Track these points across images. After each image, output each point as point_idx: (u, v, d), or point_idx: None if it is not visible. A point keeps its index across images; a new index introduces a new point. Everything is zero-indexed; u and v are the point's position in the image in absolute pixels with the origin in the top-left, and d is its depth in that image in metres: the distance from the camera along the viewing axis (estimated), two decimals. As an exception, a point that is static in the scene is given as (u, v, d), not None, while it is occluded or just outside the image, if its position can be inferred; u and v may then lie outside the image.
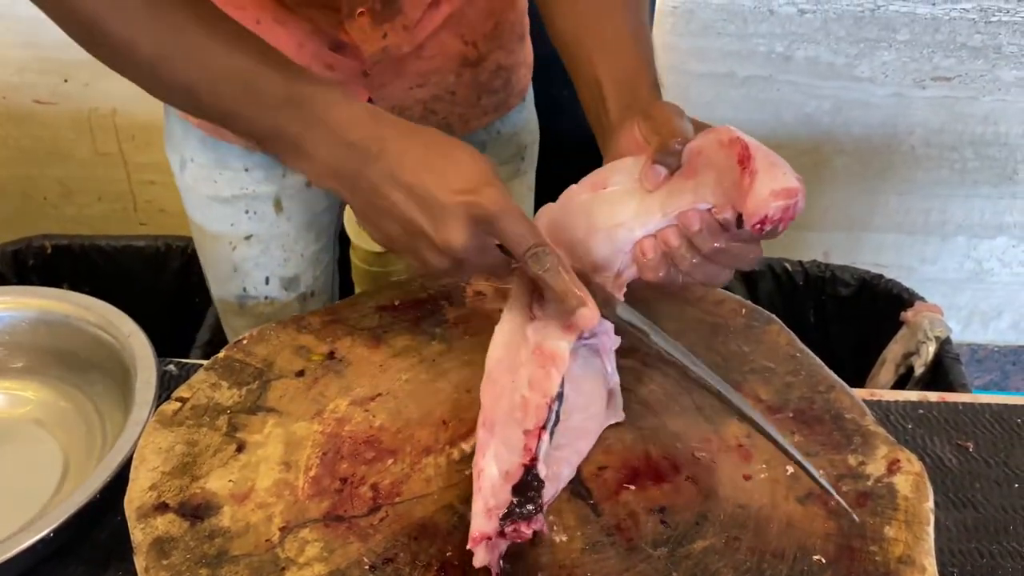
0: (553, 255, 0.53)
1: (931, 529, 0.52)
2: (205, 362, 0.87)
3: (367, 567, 0.49)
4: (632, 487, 0.54)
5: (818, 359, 0.65)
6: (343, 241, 1.15)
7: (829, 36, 1.37)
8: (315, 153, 0.55)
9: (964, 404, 0.88)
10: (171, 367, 0.82)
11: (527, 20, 0.92)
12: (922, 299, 1.27)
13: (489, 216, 0.53)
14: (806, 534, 0.51)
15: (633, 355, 0.64)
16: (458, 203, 0.52)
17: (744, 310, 0.69)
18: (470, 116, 0.90)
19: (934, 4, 1.33)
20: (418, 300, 0.69)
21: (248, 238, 0.93)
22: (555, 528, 0.51)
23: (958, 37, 1.37)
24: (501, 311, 0.68)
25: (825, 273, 1.33)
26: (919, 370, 1.19)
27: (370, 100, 0.82)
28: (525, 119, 0.97)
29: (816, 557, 0.50)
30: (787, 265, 1.35)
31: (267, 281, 0.98)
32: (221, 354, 0.63)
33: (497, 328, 0.57)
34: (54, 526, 0.62)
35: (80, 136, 1.51)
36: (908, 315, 1.24)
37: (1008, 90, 1.41)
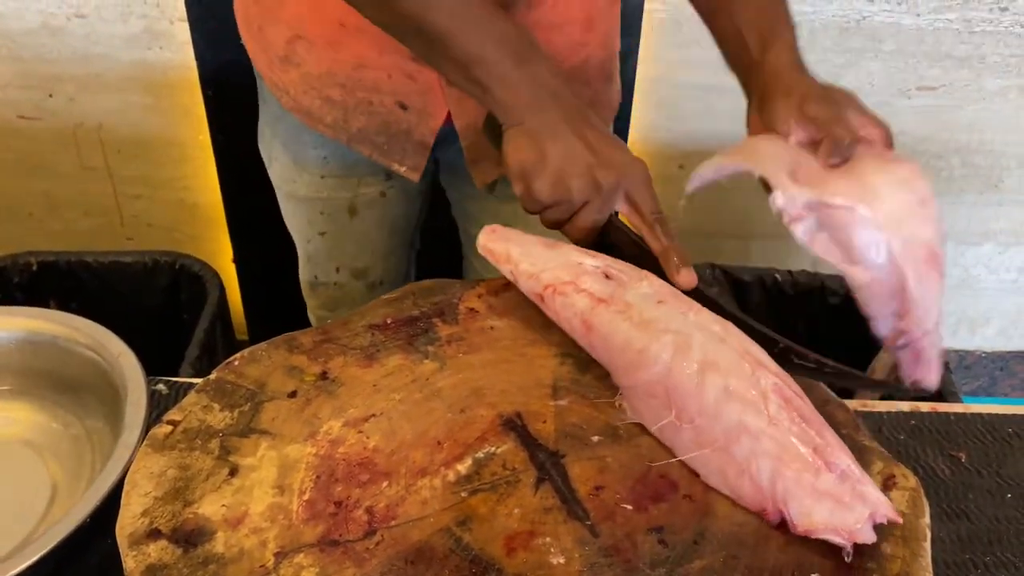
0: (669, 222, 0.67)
1: (928, 545, 0.52)
2: (196, 381, 0.86)
3: (363, 593, 0.48)
4: (629, 507, 0.54)
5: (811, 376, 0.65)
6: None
7: (816, 46, 1.38)
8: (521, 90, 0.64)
9: (956, 414, 0.88)
10: (160, 386, 0.82)
11: (617, 62, 0.92)
12: (911, 307, 1.27)
13: (644, 177, 0.69)
14: (804, 552, 0.51)
15: (627, 372, 0.64)
16: (631, 158, 0.67)
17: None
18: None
19: (919, 15, 1.34)
20: (410, 318, 0.69)
21: (322, 234, 0.96)
22: (552, 550, 0.51)
23: (943, 47, 1.38)
24: (493, 328, 0.68)
25: (815, 282, 1.34)
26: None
27: (448, 114, 0.83)
28: None
29: (814, 575, 0.50)
30: (777, 275, 1.35)
31: (337, 270, 1.01)
32: (212, 376, 0.63)
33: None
34: (44, 551, 0.61)
35: (65, 151, 1.50)
36: (898, 324, 1.24)
37: (992, 99, 1.43)
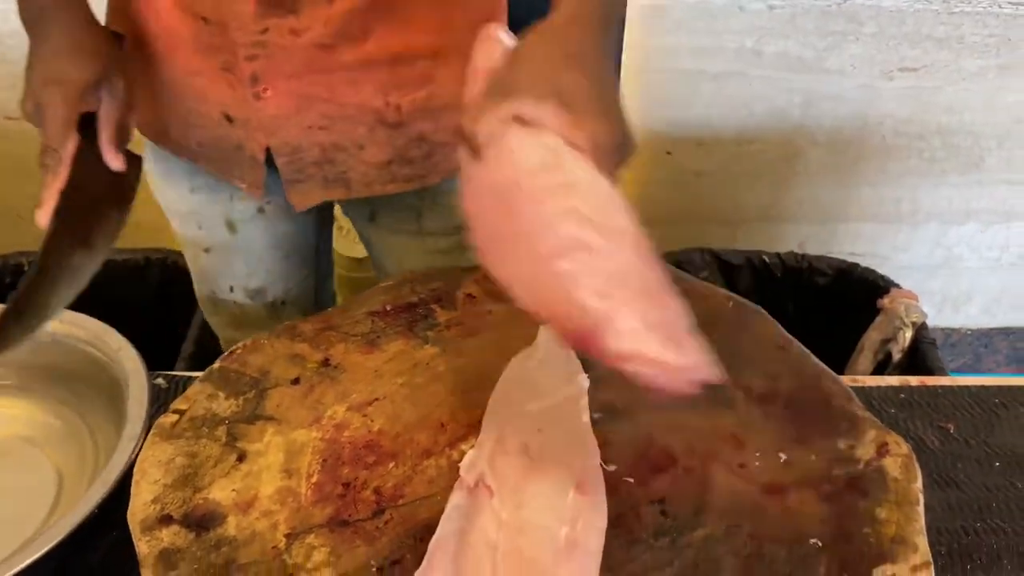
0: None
1: (921, 508, 0.54)
2: (195, 374, 0.87)
3: (375, 569, 0.49)
4: (631, 480, 0.55)
5: (804, 348, 0.66)
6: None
7: (798, 30, 1.39)
8: None
9: (943, 387, 0.90)
10: (160, 380, 0.82)
11: None
12: (897, 286, 1.29)
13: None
14: (802, 519, 0.53)
15: (624, 351, 0.65)
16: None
17: (731, 303, 0.70)
18: (374, 179, 0.83)
19: (899, -4, 1.36)
20: (409, 304, 0.70)
21: (207, 250, 0.93)
22: (558, 523, 0.52)
23: (923, 28, 1.40)
24: (491, 312, 0.69)
25: (802, 264, 1.36)
26: (897, 355, 1.21)
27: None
28: None
29: (813, 541, 0.51)
30: (765, 257, 1.37)
31: (231, 289, 0.98)
32: (216, 365, 0.64)
33: None
34: (53, 543, 0.62)
35: (53, 151, 1.49)
36: (884, 302, 1.26)
37: (971, 79, 1.45)
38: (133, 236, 1.59)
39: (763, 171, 1.54)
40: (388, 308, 0.69)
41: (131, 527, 0.53)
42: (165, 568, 0.50)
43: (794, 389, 0.62)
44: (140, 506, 0.53)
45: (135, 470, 0.56)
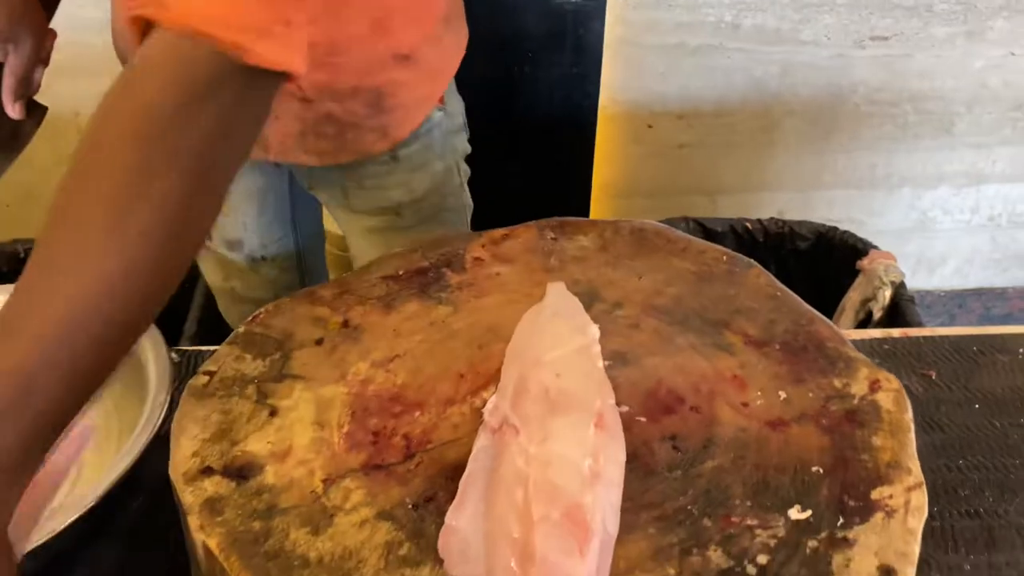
0: None
1: (912, 436, 0.58)
2: (208, 348, 0.89)
3: (411, 507, 0.53)
4: (643, 419, 0.59)
5: (797, 296, 0.70)
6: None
7: (774, 3, 1.43)
8: None
9: (924, 338, 0.95)
10: (172, 355, 0.85)
11: (404, 93, 0.88)
12: (876, 247, 1.34)
13: None
14: (803, 449, 0.57)
15: (627, 305, 0.69)
16: None
17: (725, 257, 0.74)
18: (290, 147, 0.89)
19: (869, -33, 1.41)
20: (420, 268, 0.73)
21: None
22: (578, 460, 0.56)
23: (893, -3, 1.45)
24: (499, 273, 0.73)
25: (783, 229, 1.40)
26: (877, 314, 1.26)
27: None
28: (401, 180, 0.95)
29: (815, 468, 0.55)
30: (747, 224, 1.42)
31: (211, 237, 1.03)
32: (241, 329, 0.66)
33: None
34: (90, 504, 0.65)
35: (41, 141, 1.49)
36: (864, 263, 1.31)
37: (941, 46, 1.50)
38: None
39: (742, 141, 1.59)
40: (401, 273, 0.72)
41: (174, 480, 0.55)
42: (211, 514, 0.52)
43: (789, 333, 0.66)
44: (181, 460, 0.56)
45: (173, 427, 0.59)
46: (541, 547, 0.45)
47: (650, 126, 1.56)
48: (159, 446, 0.70)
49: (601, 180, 1.57)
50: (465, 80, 1.04)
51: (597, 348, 0.60)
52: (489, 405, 0.57)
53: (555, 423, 0.52)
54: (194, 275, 1.29)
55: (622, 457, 0.53)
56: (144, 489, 0.76)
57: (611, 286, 0.71)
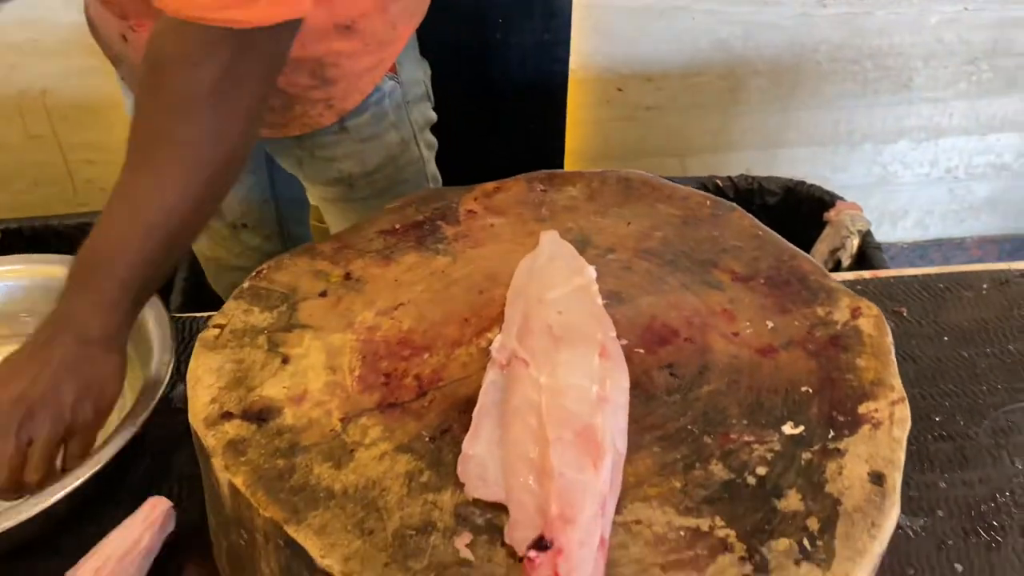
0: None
1: (893, 357, 0.62)
2: (203, 314, 0.91)
3: (427, 439, 0.55)
4: (641, 351, 0.62)
5: (778, 235, 0.74)
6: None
7: (739, -36, 1.46)
8: None
9: (894, 278, 1.00)
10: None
11: (348, 64, 0.89)
12: (841, 198, 1.39)
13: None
14: (793, 372, 0.60)
15: (619, 250, 0.72)
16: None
17: (709, 202, 0.77)
18: None
19: (828, -75, 1.44)
20: (416, 222, 0.75)
21: None
22: (583, 390, 0.58)
23: (852, -44, 1.48)
24: (493, 225, 0.75)
25: (752, 185, 1.44)
26: (846, 262, 1.31)
27: None
28: (350, 151, 0.97)
29: (804, 388, 0.59)
30: (718, 181, 1.45)
31: None
32: (245, 284, 0.68)
33: None
34: (105, 460, 0.66)
35: (9, 120, 1.48)
36: (831, 214, 1.35)
37: (899, 3, 1.54)
38: (97, 203, 1.60)
39: (709, 102, 1.62)
40: (397, 227, 0.74)
41: (194, 426, 0.57)
42: (235, 455, 0.55)
43: (773, 269, 0.70)
44: (200, 406, 0.58)
45: (188, 377, 0.60)
46: (558, 464, 0.48)
47: (620, 89, 1.58)
48: (161, 408, 0.72)
49: (572, 144, 1.59)
50: (435, 47, 1.04)
51: (595, 287, 0.63)
52: (496, 343, 0.60)
53: (562, 355, 0.55)
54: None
55: (626, 383, 0.56)
56: (148, 451, 0.77)
57: (601, 233, 0.74)
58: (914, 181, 1.78)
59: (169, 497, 0.74)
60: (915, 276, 0.99)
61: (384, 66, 0.93)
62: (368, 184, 1.00)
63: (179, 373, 0.78)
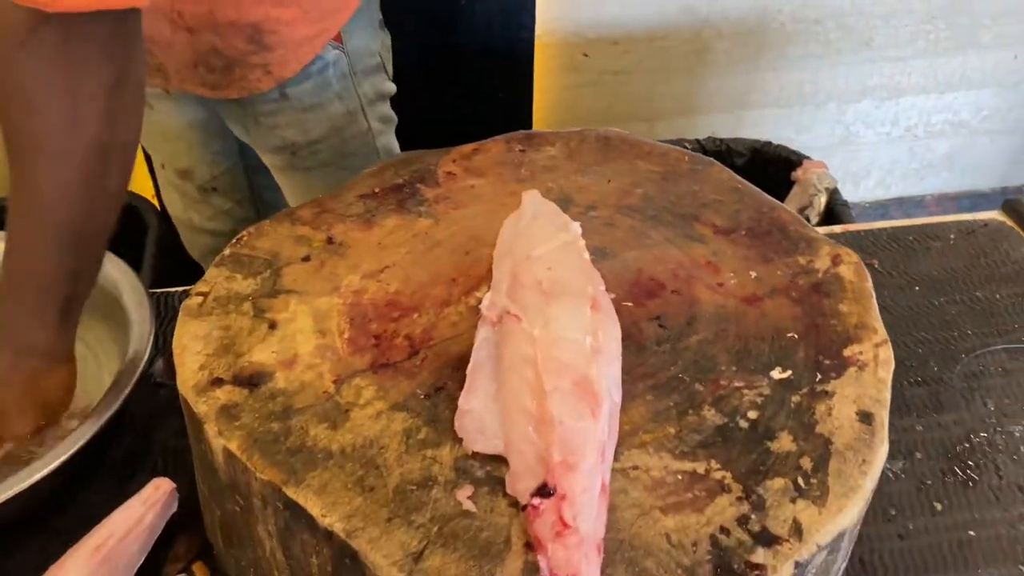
0: None
1: (874, 302, 0.63)
2: (173, 289, 0.90)
3: (422, 396, 0.55)
4: (630, 304, 0.62)
5: (757, 188, 0.75)
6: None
7: (701, -72, 1.46)
8: None
9: (865, 231, 1.01)
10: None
11: (285, 31, 0.88)
12: (808, 158, 1.40)
13: None
14: (778, 319, 0.61)
15: (600, 207, 0.72)
16: None
17: (687, 157, 0.77)
18: (185, 77, 0.91)
19: None
20: (395, 185, 0.74)
21: None
22: (574, 344, 0.59)
23: (813, -83, 1.49)
24: (474, 186, 0.75)
25: (721, 147, 1.45)
26: (814, 220, 1.33)
27: None
28: (291, 119, 0.96)
29: (790, 334, 0.60)
30: (686, 144, 1.46)
31: (163, 166, 1.06)
32: (226, 251, 0.67)
33: None
34: (87, 437, 0.65)
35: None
36: (798, 173, 1.37)
37: (860, -38, 1.55)
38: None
39: (675, 65, 1.63)
40: (376, 190, 0.74)
41: (184, 393, 0.57)
42: (228, 420, 0.54)
43: (754, 220, 0.70)
44: (189, 374, 0.57)
45: (174, 345, 0.59)
46: (557, 413, 0.49)
47: (586, 54, 1.58)
48: (140, 384, 0.71)
49: (540, 112, 1.59)
50: (402, 15, 1.03)
51: (582, 243, 0.63)
52: (485, 301, 0.60)
53: (553, 309, 0.55)
54: (144, 225, 1.28)
55: (618, 334, 0.57)
56: (130, 427, 0.76)
57: (582, 191, 0.74)
58: (876, 140, 1.81)
59: (153, 472, 0.73)
60: (884, 229, 1.01)
61: (327, 35, 0.91)
62: (311, 154, 0.99)
63: (155, 348, 0.77)
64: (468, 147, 0.79)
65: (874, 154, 1.83)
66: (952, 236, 0.98)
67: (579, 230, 0.64)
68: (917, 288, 0.92)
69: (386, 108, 1.03)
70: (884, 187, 1.90)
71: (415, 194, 0.74)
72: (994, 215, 1.03)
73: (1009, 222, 1.01)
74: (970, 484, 0.72)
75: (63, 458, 0.65)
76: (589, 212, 0.72)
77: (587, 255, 0.62)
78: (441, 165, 0.77)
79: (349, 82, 0.96)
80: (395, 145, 1.06)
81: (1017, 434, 0.77)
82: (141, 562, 0.64)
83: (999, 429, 0.77)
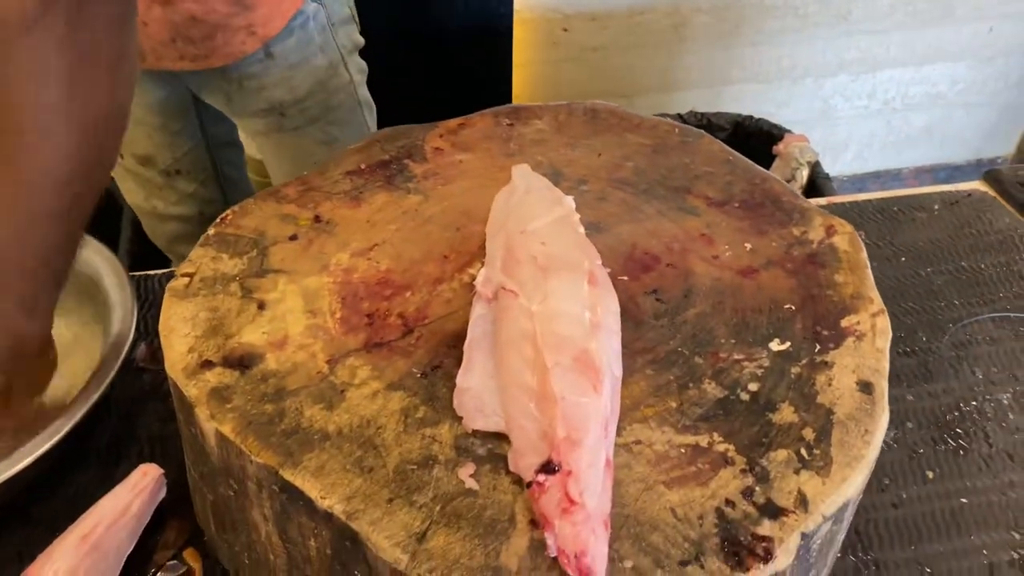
0: None
1: (869, 272, 0.63)
2: (152, 272, 0.88)
3: (419, 375, 0.54)
4: (625, 278, 0.61)
5: (748, 160, 0.74)
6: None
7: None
8: None
9: (850, 203, 1.01)
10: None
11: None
12: (789, 131, 1.40)
13: None
14: (774, 291, 0.61)
15: (591, 181, 0.71)
16: None
17: (677, 129, 0.77)
18: (163, 54, 0.89)
19: None
20: (382, 161, 0.73)
21: None
22: (571, 319, 0.58)
23: None
24: (462, 161, 0.73)
25: (703, 121, 1.45)
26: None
27: None
28: (278, 78, 0.95)
29: (787, 306, 0.60)
30: (668, 118, 1.45)
31: (121, 156, 1.03)
32: (211, 231, 0.65)
33: None
34: (72, 424, 0.64)
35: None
36: (780, 147, 1.37)
37: (836, -65, 1.55)
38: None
39: (655, 41, 1.62)
40: (363, 167, 0.72)
41: (173, 377, 0.55)
42: (220, 403, 0.53)
43: (747, 192, 0.70)
44: (177, 357, 0.56)
45: (161, 328, 0.58)
46: (559, 388, 0.48)
47: (565, 30, 1.57)
48: (123, 369, 0.69)
49: (519, 87, 1.57)
50: (380, -9, 1.02)
51: (576, 217, 0.62)
52: (480, 277, 0.59)
53: (550, 284, 0.55)
54: (119, 207, 1.25)
55: (616, 308, 0.56)
56: (113, 412, 0.75)
57: (572, 165, 0.73)
58: (854, 114, 1.81)
59: (139, 458, 0.71)
60: (870, 200, 1.01)
61: None
62: (300, 112, 0.98)
63: (137, 332, 0.75)
64: (454, 121, 0.77)
65: (852, 128, 1.84)
66: (936, 207, 0.99)
67: (572, 204, 0.63)
68: (903, 259, 0.92)
69: (359, 59, 1.03)
70: (862, 160, 1.91)
71: (403, 170, 0.72)
72: (977, 185, 1.03)
73: (991, 192, 1.01)
74: (961, 452, 0.73)
75: (49, 444, 0.63)
76: (580, 186, 0.71)
77: (582, 229, 0.61)
78: (428, 140, 0.75)
79: (328, 34, 0.96)
80: (370, 97, 1.06)
81: (1005, 401, 0.77)
82: (131, 550, 0.62)
83: (987, 397, 0.78)
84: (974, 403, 0.77)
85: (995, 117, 1.84)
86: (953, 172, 1.94)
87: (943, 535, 0.67)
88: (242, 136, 1.12)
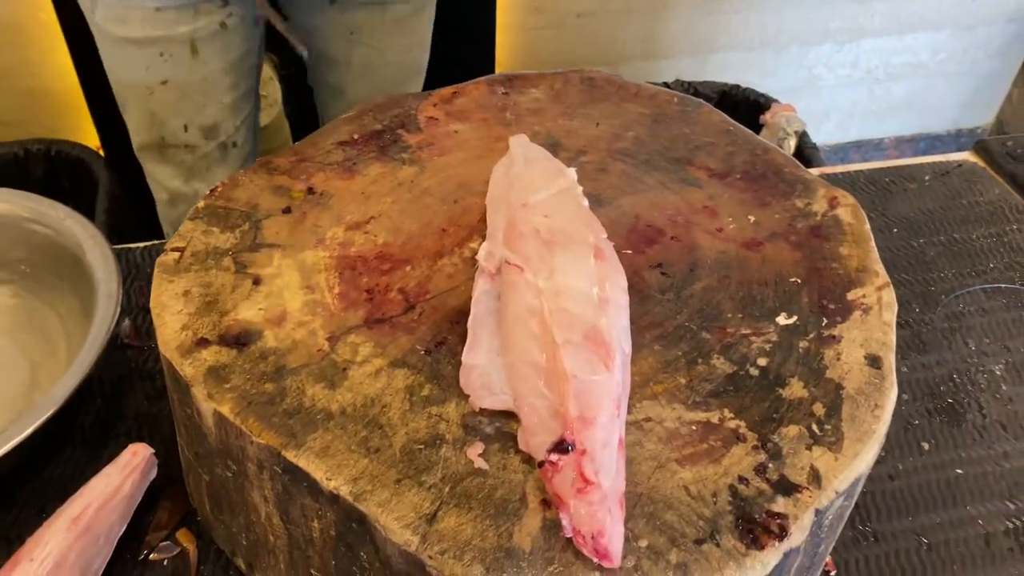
0: None
1: (873, 244, 0.62)
2: (134, 245, 0.85)
3: (423, 352, 0.53)
4: (629, 252, 0.60)
5: (749, 130, 0.73)
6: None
7: None
8: None
9: (842, 173, 1.01)
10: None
11: None
12: (776, 101, 1.39)
13: None
14: (780, 264, 0.60)
15: (591, 152, 0.70)
16: None
17: (676, 99, 0.75)
18: None
19: None
20: (375, 131, 0.71)
21: (165, 83, 0.91)
22: (576, 294, 0.57)
23: None
24: (457, 131, 0.72)
25: (688, 90, 1.43)
26: (783, 164, 1.32)
27: None
28: None
29: (793, 279, 0.59)
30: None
31: (185, 128, 0.96)
32: (201, 204, 0.63)
33: None
34: (54, 411, 0.62)
35: None
36: (767, 117, 1.36)
37: (824, -100, 1.53)
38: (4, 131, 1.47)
39: (639, 7, 1.59)
40: (356, 137, 0.70)
41: (166, 356, 0.53)
42: (218, 382, 0.51)
43: (748, 164, 0.69)
44: (171, 335, 0.54)
45: (152, 305, 0.56)
46: (570, 366, 0.47)
47: (537, 8, 1.54)
48: (108, 348, 0.67)
49: (502, 55, 1.54)
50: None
51: (579, 189, 0.61)
52: (482, 251, 0.57)
53: (556, 259, 0.53)
54: (87, 185, 1.21)
55: (624, 283, 0.55)
56: (98, 392, 0.73)
57: (571, 135, 0.71)
58: (837, 83, 1.81)
59: (127, 438, 0.70)
60: (861, 171, 1.01)
61: None
62: None
63: (120, 308, 0.73)
64: (447, 90, 0.75)
65: (834, 97, 1.83)
66: (927, 178, 0.98)
67: (575, 176, 0.62)
68: (895, 230, 0.92)
69: None
70: (843, 130, 1.91)
71: (396, 140, 0.70)
72: (967, 156, 1.03)
73: (981, 163, 1.02)
74: (955, 423, 0.73)
75: (36, 424, 0.61)
76: (579, 157, 0.69)
77: (585, 202, 0.60)
78: (421, 110, 0.73)
79: None
80: None
81: (998, 372, 0.78)
82: (122, 531, 0.61)
83: (980, 368, 0.78)
84: (968, 374, 0.77)
85: (974, 86, 1.85)
86: (933, 142, 1.94)
87: (939, 506, 0.67)
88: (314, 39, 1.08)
